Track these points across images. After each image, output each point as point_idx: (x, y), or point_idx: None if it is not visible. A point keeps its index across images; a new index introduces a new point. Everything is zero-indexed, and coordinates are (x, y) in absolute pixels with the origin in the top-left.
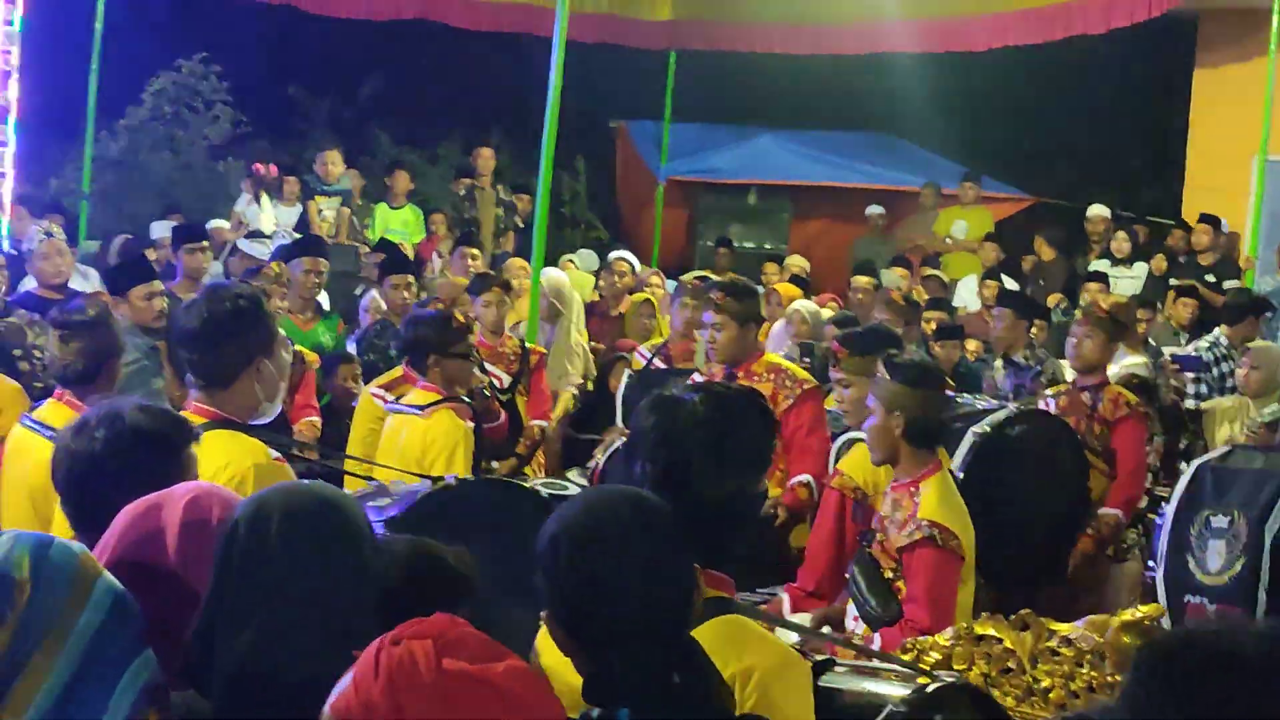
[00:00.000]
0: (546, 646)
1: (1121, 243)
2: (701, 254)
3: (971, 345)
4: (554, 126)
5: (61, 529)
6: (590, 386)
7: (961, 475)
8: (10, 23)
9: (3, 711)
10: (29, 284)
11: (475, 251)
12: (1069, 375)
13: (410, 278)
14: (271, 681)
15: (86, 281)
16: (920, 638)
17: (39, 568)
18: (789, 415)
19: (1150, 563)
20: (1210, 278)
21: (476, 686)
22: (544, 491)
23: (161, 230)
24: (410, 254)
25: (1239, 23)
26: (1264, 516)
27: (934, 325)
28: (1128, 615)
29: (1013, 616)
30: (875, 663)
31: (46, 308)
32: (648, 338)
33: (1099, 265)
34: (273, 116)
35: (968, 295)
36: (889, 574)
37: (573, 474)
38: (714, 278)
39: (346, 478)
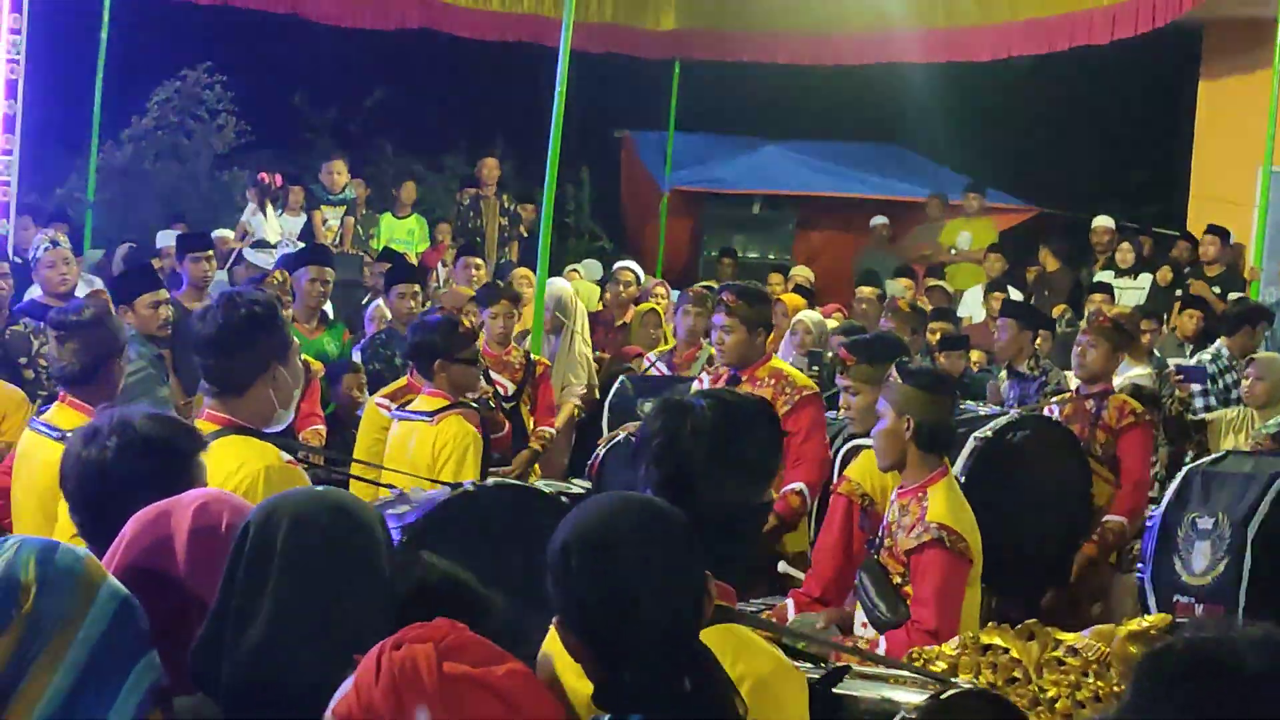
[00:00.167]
0: (556, 651)
1: (1126, 254)
2: (706, 264)
3: (976, 356)
4: (559, 136)
5: (65, 528)
6: (595, 396)
7: (963, 480)
8: (16, 31)
9: (8, 714)
10: (34, 293)
11: (479, 261)
12: (1073, 386)
13: (416, 286)
14: (279, 686)
15: (91, 290)
16: (926, 647)
17: (44, 571)
18: (786, 420)
19: (1140, 564)
20: (1215, 289)
21: (478, 690)
22: (564, 497)
23: (166, 239)
24: (415, 263)
25: (1244, 33)
26: (1247, 518)
27: (939, 335)
28: (1134, 625)
29: (1019, 626)
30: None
31: None
32: (654, 348)
33: (1103, 276)
34: (278, 126)
35: (973, 306)
36: (897, 579)
37: (576, 483)
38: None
39: (357, 486)
